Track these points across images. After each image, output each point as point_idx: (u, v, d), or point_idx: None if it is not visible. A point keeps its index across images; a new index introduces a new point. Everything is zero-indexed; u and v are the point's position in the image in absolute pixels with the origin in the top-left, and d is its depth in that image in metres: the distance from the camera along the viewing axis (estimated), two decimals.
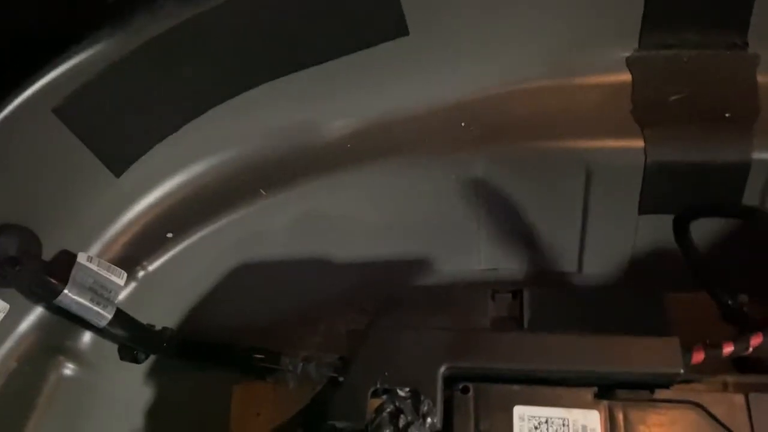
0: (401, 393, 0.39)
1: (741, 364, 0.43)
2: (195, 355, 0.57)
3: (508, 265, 0.63)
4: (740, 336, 0.37)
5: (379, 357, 0.40)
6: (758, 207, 0.46)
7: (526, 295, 0.41)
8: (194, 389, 0.60)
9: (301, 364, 0.61)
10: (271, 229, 0.56)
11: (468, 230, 0.60)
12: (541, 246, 0.62)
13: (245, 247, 0.56)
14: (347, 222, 0.59)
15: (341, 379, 0.43)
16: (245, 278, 0.57)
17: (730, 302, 0.45)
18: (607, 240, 0.60)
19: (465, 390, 0.39)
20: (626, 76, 0.55)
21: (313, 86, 0.54)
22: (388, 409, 0.38)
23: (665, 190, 0.53)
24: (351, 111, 0.57)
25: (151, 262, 0.52)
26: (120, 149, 0.50)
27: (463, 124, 0.56)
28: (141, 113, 0.49)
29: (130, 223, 0.52)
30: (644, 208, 0.55)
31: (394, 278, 0.64)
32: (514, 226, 0.60)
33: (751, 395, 0.35)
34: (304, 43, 0.51)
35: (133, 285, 0.51)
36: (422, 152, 0.56)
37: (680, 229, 0.44)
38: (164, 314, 0.55)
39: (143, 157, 0.51)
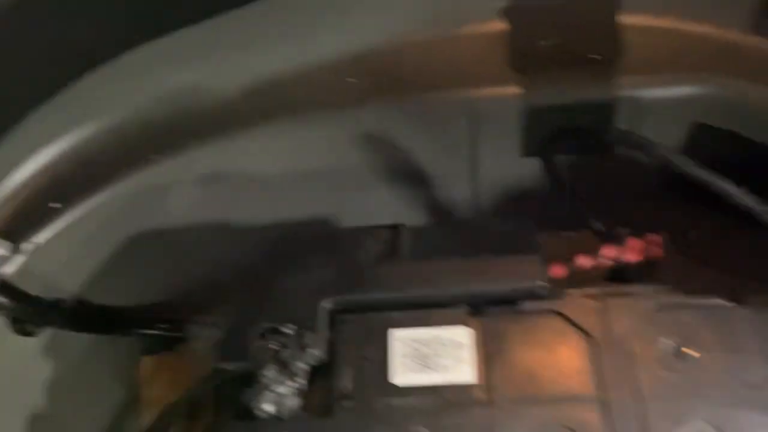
0: (285, 330, 0.40)
1: (613, 277, 0.45)
2: (95, 327, 0.56)
3: (409, 215, 0.65)
4: (595, 249, 0.40)
5: (262, 297, 0.41)
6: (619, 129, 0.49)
7: (404, 230, 0.43)
8: (100, 362, 0.60)
9: (210, 330, 0.62)
10: (165, 196, 0.56)
11: (367, 184, 0.62)
12: (437, 194, 0.64)
13: (140, 216, 0.56)
14: (246, 184, 0.59)
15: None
16: (143, 247, 0.57)
17: (599, 226, 0.48)
18: (497, 184, 0.63)
19: (346, 321, 0.40)
20: (503, 25, 0.57)
21: (197, 46, 0.54)
22: (272, 346, 0.39)
23: (543, 132, 0.56)
24: (237, 71, 0.57)
25: (39, 235, 0.51)
26: None
27: (350, 79, 0.57)
28: (11, 78, 0.48)
29: (12, 196, 0.51)
30: (527, 151, 0.58)
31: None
32: (409, 177, 0.62)
33: (608, 300, 0.38)
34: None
35: (21, 258, 0.50)
36: (313, 109, 0.57)
37: (547, 152, 0.47)
38: (59, 287, 0.54)
39: (18, 126, 0.49)
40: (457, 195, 0.64)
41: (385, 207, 0.64)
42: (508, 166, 0.60)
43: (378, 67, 0.58)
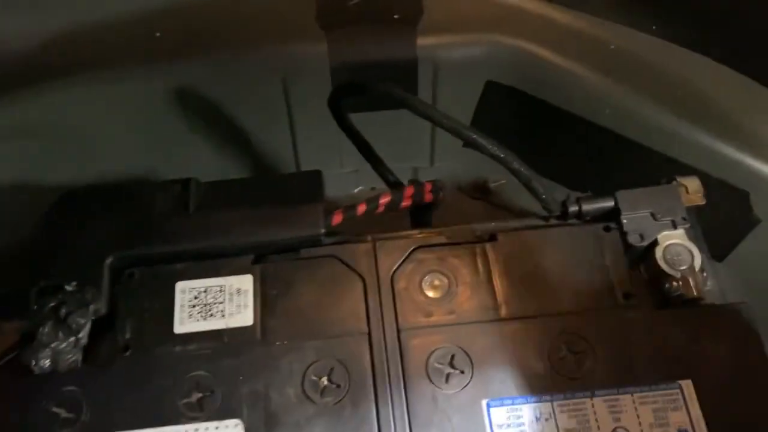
0: (68, 288, 0.40)
1: (416, 220, 0.49)
2: None
3: (232, 173, 0.66)
4: (372, 196, 0.43)
5: (45, 254, 0.41)
6: (393, 85, 0.52)
7: (192, 183, 0.44)
8: None
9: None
10: None
11: (185, 141, 0.62)
12: (260, 151, 0.65)
13: None
14: (57, 143, 0.57)
15: None
16: None
17: (390, 177, 0.52)
18: (316, 139, 0.65)
19: (131, 275, 0.41)
20: None
21: None
22: (52, 303, 0.39)
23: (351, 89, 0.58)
24: (36, 22, 0.54)
25: None
26: None
27: (158, 33, 0.56)
28: None
29: None
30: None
31: None
32: (229, 133, 0.63)
33: (377, 242, 0.42)
34: None
35: None
36: (122, 63, 0.55)
37: (335, 109, 0.49)
38: None
39: None
40: (280, 151, 0.65)
41: (203, 162, 0.64)
42: (322, 120, 0.62)
43: (186, 21, 0.57)
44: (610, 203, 0.42)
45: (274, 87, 0.59)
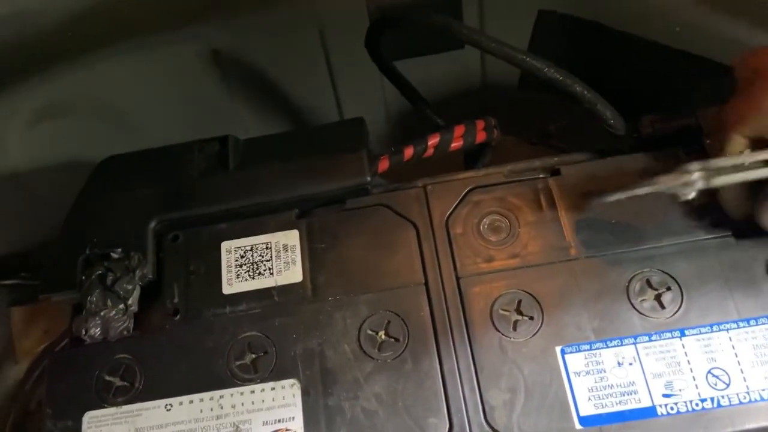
0: (114, 255, 0.39)
1: (470, 162, 0.46)
2: None
3: (276, 131, 0.64)
4: (419, 138, 0.40)
5: (87, 222, 0.40)
6: (434, 14, 0.47)
7: (231, 140, 0.41)
8: None
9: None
10: (4, 136, 0.53)
11: (227, 103, 0.60)
12: (302, 105, 0.63)
13: None
14: (97, 118, 0.56)
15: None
16: None
17: (438, 121, 0.48)
18: (358, 88, 0.62)
19: (175, 238, 0.39)
20: None
21: None
22: (99, 272, 0.38)
23: (389, 34, 0.55)
24: None
25: None
26: None
27: None
28: None
29: None
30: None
31: None
32: (270, 91, 0.60)
33: (428, 187, 0.38)
34: None
35: None
36: (153, 30, 0.53)
37: (374, 50, 0.46)
38: None
39: None
40: (322, 104, 0.63)
41: (247, 124, 0.63)
42: (364, 69, 0.59)
43: None
44: (690, 122, 0.38)
45: (312, 39, 0.56)
